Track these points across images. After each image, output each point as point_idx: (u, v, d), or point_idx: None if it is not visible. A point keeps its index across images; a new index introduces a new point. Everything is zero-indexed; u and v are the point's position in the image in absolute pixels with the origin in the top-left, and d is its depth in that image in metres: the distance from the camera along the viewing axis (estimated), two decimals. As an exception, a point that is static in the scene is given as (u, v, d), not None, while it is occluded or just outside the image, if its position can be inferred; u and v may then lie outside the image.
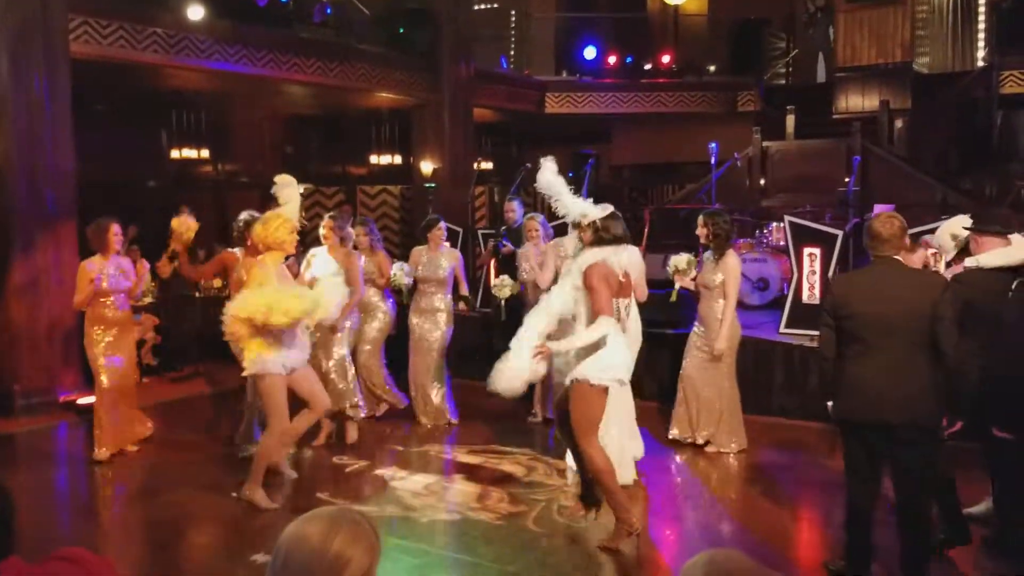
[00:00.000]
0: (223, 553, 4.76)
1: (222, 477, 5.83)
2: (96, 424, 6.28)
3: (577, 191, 4.89)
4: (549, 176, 4.69)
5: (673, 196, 13.96)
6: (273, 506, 5.23)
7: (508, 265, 7.63)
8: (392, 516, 5.16)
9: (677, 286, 6.41)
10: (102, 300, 6.24)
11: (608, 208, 4.60)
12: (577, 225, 4.58)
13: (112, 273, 6.27)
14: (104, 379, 6.27)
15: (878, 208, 9.71)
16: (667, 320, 7.23)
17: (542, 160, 4.74)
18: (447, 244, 7.29)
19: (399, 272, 6.92)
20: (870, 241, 3.86)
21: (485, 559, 4.52)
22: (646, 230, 11.03)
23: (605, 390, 4.44)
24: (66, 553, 1.79)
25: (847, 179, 10.68)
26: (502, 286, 7.25)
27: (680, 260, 6.35)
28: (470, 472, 5.92)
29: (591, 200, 7.50)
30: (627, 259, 4.55)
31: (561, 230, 6.32)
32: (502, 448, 6.38)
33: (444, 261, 7.03)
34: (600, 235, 4.49)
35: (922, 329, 3.68)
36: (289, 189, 5.33)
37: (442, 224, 7.18)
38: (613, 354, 4.39)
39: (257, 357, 5.07)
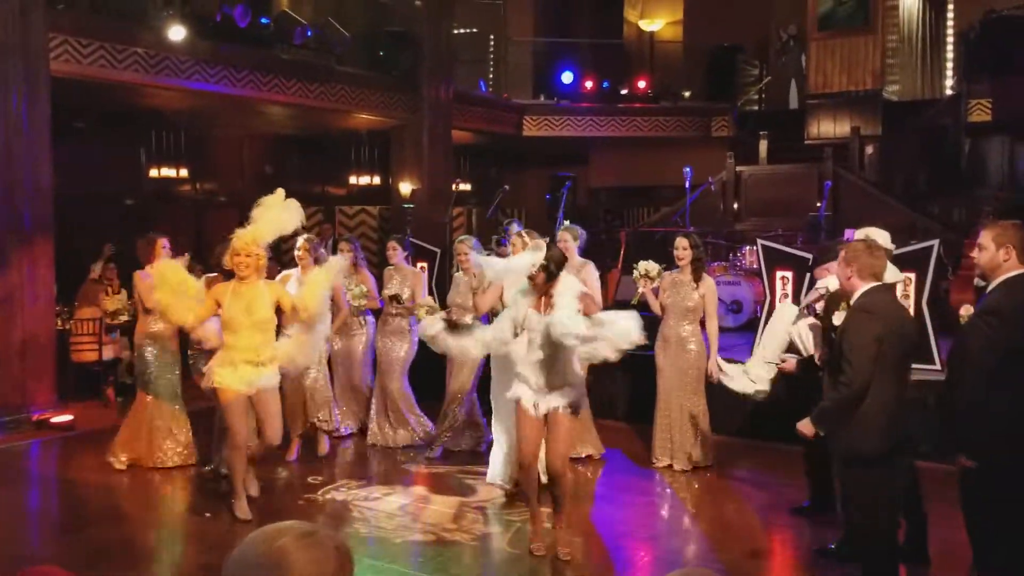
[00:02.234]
0: (196, 572, 4.75)
1: (197, 496, 5.82)
2: (124, 431, 6.39)
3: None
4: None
5: (649, 219, 14.12)
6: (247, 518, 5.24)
7: None
8: (366, 536, 5.18)
9: (640, 290, 6.32)
10: (151, 314, 6.27)
11: (541, 245, 4.67)
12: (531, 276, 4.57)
13: None
14: (148, 393, 6.35)
15: (849, 232, 9.91)
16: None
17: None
18: (407, 264, 7.14)
19: (351, 294, 6.67)
20: (874, 270, 3.84)
21: (460, 579, 4.56)
22: (622, 251, 11.16)
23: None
24: (36, 572, 1.78)
25: (818, 203, 10.88)
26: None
27: (650, 266, 6.26)
28: (445, 493, 5.94)
29: (567, 221, 7.59)
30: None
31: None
32: (477, 469, 6.40)
33: (403, 280, 6.91)
34: (552, 270, 4.54)
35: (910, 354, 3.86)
36: (263, 210, 5.16)
37: (392, 242, 7.02)
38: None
39: (218, 372, 5.15)
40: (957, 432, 3.73)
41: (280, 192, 5.25)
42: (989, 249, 3.69)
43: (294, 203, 5.22)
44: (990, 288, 3.72)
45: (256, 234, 5.11)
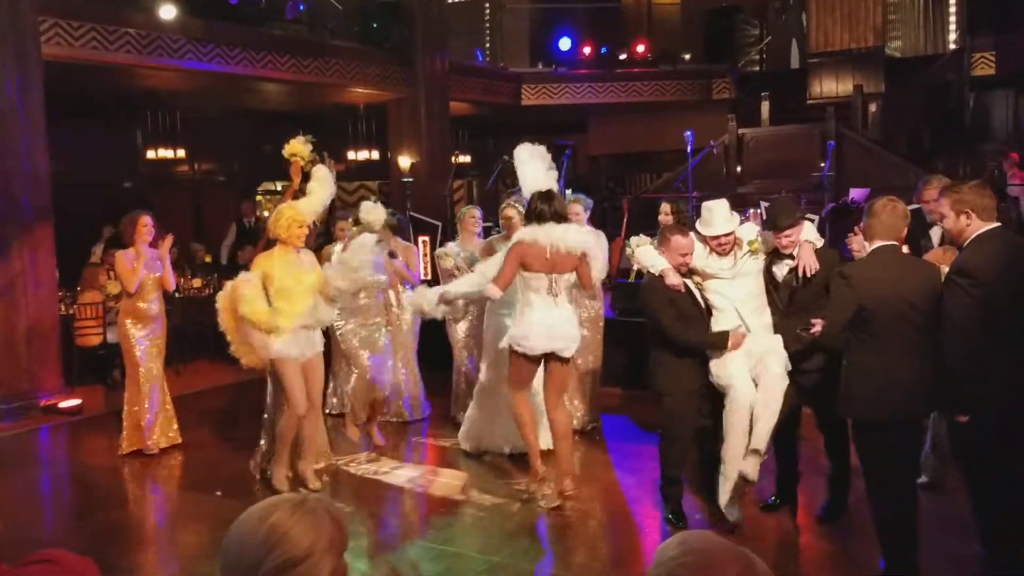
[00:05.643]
0: (209, 552, 4.77)
1: (206, 476, 5.84)
2: (125, 419, 6.30)
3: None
4: (526, 157, 5.24)
5: (651, 185, 14.03)
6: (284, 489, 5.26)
7: None
8: (377, 509, 5.20)
9: (636, 267, 6.11)
10: (132, 296, 6.23)
11: (544, 187, 5.01)
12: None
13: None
14: (138, 374, 6.27)
15: (853, 192, 9.84)
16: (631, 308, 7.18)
17: (526, 149, 5.24)
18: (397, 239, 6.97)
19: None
20: (873, 226, 3.80)
21: (469, 550, 4.58)
22: (625, 219, 11.09)
23: (526, 356, 4.90)
24: (45, 555, 1.77)
25: (822, 164, 10.79)
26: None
27: (642, 242, 6.22)
28: (453, 465, 5.97)
29: (570, 191, 7.54)
30: (559, 236, 4.83)
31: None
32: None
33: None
34: (528, 212, 4.93)
35: (925, 317, 3.69)
36: (316, 183, 5.41)
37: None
38: (529, 325, 4.86)
39: (268, 342, 5.15)
40: (945, 390, 3.72)
41: (324, 168, 5.56)
42: (950, 217, 3.71)
43: (331, 177, 5.59)
44: (963, 247, 3.73)
45: (313, 206, 5.38)
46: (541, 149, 5.27)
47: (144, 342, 6.29)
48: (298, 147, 5.73)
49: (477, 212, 6.79)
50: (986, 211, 3.65)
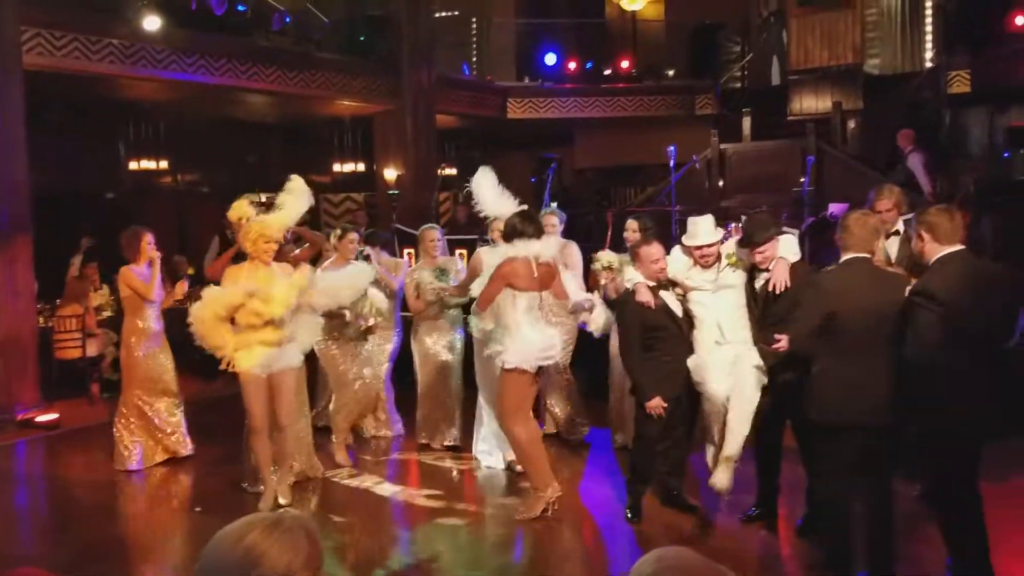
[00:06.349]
0: (187, 568, 4.73)
1: (185, 491, 5.80)
2: (117, 434, 6.19)
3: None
4: (482, 182, 5.29)
5: (635, 198, 14.10)
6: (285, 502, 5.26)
7: None
8: (360, 524, 5.18)
9: (603, 282, 5.86)
10: (138, 312, 6.17)
11: (520, 207, 5.12)
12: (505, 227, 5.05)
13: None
14: (133, 391, 6.19)
15: (832, 207, 9.94)
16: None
17: (483, 174, 5.29)
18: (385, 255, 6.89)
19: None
20: (845, 239, 3.93)
21: (454, 565, 4.56)
22: (609, 232, 11.13)
23: (519, 372, 4.86)
24: (19, 573, 1.77)
25: (802, 179, 10.89)
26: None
27: (611, 257, 5.86)
28: (437, 479, 5.95)
29: (555, 204, 7.58)
30: (537, 249, 4.91)
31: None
32: (467, 455, 6.39)
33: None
34: (507, 231, 4.97)
35: (892, 327, 3.80)
36: (290, 196, 5.33)
37: (352, 234, 6.48)
38: (520, 341, 4.85)
39: (235, 355, 5.14)
40: (909, 406, 3.80)
41: (300, 179, 5.44)
42: (914, 238, 3.86)
43: (308, 189, 5.46)
44: (927, 268, 3.83)
45: (283, 220, 5.30)
46: (493, 176, 5.40)
47: (147, 360, 6.22)
48: (245, 210, 5.51)
49: (437, 233, 6.54)
50: (945, 233, 3.73)
